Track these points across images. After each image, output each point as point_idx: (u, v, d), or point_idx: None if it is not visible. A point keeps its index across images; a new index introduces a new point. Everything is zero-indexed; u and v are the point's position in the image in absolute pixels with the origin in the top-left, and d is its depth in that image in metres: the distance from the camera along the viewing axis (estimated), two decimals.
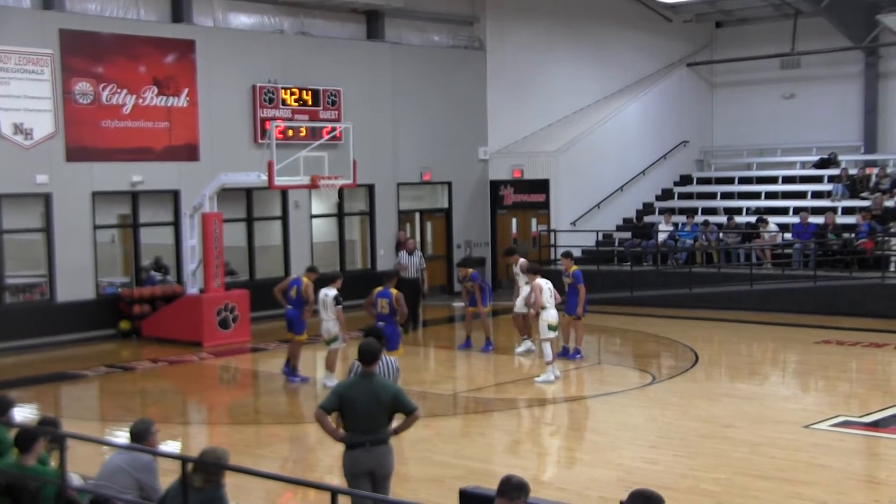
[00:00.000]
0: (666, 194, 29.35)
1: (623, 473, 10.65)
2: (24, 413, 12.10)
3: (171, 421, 13.67)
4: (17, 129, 19.35)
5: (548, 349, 15.39)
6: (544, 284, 15.54)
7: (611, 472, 10.76)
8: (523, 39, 27.85)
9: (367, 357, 8.20)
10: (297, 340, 15.94)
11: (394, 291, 14.79)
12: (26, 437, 7.81)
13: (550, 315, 15.45)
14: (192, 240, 20.12)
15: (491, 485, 6.37)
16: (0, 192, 19.25)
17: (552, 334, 15.47)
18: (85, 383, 16.63)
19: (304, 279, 16.00)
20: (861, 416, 13.00)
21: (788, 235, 24.14)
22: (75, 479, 7.98)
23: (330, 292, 15.27)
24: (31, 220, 20.07)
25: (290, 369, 15.90)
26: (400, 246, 23.52)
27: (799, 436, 12.01)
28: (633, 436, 12.34)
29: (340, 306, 15.18)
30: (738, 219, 25.80)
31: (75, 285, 20.11)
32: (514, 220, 27.08)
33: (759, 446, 11.52)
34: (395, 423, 8.25)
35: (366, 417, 7.99)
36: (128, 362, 18.06)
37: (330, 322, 15.27)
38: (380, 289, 14.93)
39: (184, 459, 7.28)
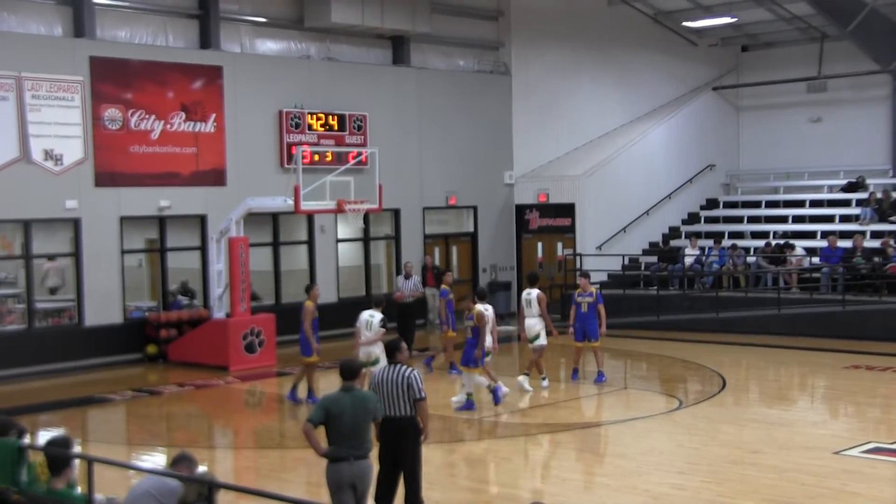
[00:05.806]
0: (692, 218, 29.25)
1: (650, 499, 10.57)
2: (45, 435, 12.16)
3: (196, 445, 13.69)
4: (48, 155, 19.54)
5: (480, 379, 15.54)
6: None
7: (637, 498, 10.67)
8: (548, 64, 27.91)
9: (347, 372, 8.67)
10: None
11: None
12: (59, 461, 7.88)
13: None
14: (218, 264, 20.21)
15: None
16: (30, 217, 19.44)
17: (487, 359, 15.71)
18: (112, 407, 16.71)
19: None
20: (892, 443, 12.83)
21: (816, 259, 23.99)
22: (99, 498, 8.01)
23: (376, 315, 15.55)
24: (61, 244, 20.24)
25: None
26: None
27: (829, 462, 11.88)
28: (660, 461, 12.25)
29: (384, 329, 15.55)
30: (764, 242, 25.64)
31: (103, 310, 20.26)
32: (539, 245, 27.05)
33: (788, 472, 11.40)
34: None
35: (350, 430, 8.38)
36: (154, 386, 18.14)
37: (372, 345, 15.37)
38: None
39: (210, 484, 7.30)
